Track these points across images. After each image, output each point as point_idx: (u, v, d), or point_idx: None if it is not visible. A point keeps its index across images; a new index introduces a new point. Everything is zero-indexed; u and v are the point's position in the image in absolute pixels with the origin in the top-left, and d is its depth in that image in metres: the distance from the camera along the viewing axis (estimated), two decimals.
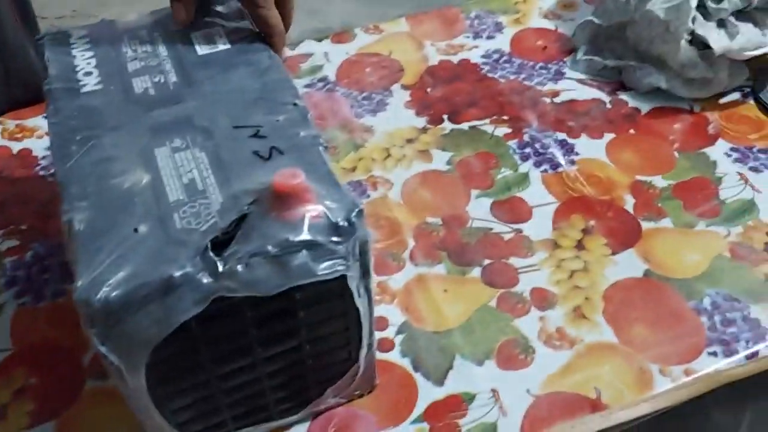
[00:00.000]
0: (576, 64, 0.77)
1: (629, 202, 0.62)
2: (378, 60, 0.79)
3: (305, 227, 0.35)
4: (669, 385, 0.49)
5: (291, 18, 0.51)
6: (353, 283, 0.39)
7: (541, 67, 0.77)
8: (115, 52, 0.47)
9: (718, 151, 0.67)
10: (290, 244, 0.35)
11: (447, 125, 0.71)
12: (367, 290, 0.40)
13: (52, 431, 0.48)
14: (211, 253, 0.34)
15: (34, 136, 0.69)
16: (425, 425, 0.47)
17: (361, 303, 0.40)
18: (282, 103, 0.44)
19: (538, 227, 0.60)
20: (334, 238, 0.36)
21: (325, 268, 0.36)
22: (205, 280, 0.34)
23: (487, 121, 0.71)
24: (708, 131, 0.69)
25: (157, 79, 0.45)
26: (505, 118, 0.71)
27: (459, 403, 0.48)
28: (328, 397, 0.46)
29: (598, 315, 0.54)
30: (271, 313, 0.38)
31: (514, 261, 0.58)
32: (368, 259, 0.39)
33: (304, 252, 0.35)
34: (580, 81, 0.76)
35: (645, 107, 0.72)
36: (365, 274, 0.39)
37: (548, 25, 0.83)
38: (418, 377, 0.50)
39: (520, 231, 0.60)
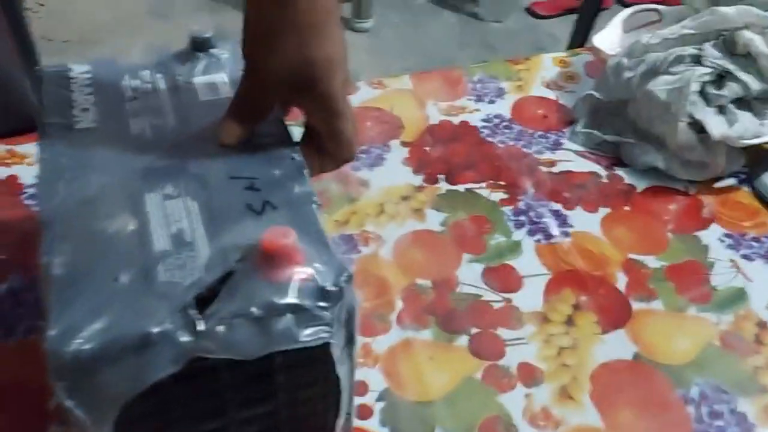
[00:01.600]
0: (575, 136, 0.78)
1: (621, 280, 0.61)
2: (379, 114, 0.79)
3: (292, 290, 0.34)
4: None
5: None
6: (336, 351, 0.37)
7: (540, 136, 0.77)
8: (114, 91, 0.47)
9: (711, 235, 0.67)
10: (275, 306, 0.33)
11: (443, 185, 0.70)
12: (350, 358, 0.39)
13: None
14: (192, 311, 0.33)
15: (24, 162, 0.68)
16: None
17: (342, 371, 0.39)
18: (279, 156, 0.43)
19: (529, 298, 0.59)
20: (321, 303, 0.35)
21: (309, 335, 0.35)
22: (183, 339, 0.33)
23: (484, 184, 0.70)
24: (702, 214, 0.69)
25: (154, 122, 0.44)
26: (502, 183, 0.71)
27: None
28: None
29: (585, 396, 0.52)
30: (249, 376, 0.36)
31: (503, 332, 0.57)
32: (354, 326, 0.37)
33: (289, 316, 0.34)
34: (577, 153, 0.76)
35: (641, 185, 0.72)
36: (350, 341, 0.38)
37: (549, 94, 0.83)
38: None
39: (509, 300, 0.59)
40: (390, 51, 2.14)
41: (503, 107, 0.81)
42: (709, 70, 0.71)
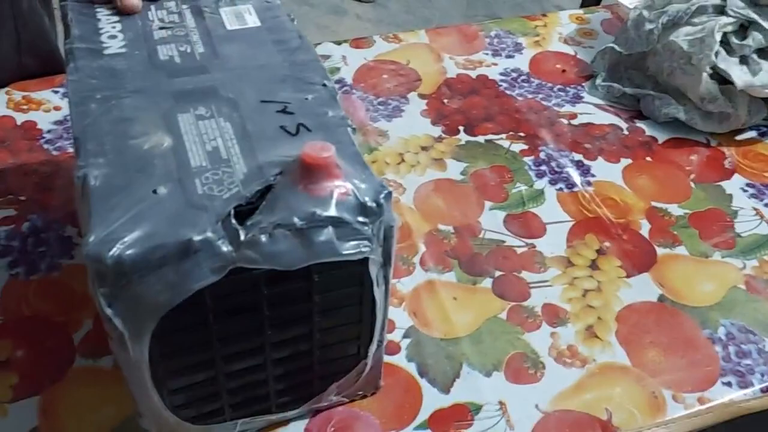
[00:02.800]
0: (594, 90, 0.77)
1: (644, 227, 0.61)
2: (396, 68, 0.78)
3: (333, 203, 0.34)
4: (682, 412, 0.47)
5: None
6: (374, 270, 0.37)
7: (559, 89, 0.77)
8: (141, 20, 0.46)
9: (734, 185, 0.66)
10: (317, 218, 0.33)
11: (463, 137, 0.70)
12: (386, 280, 0.38)
13: (34, 407, 0.45)
14: (234, 221, 0.33)
15: (40, 109, 0.67)
16: None
17: (378, 293, 0.38)
18: (311, 83, 0.42)
19: (552, 244, 0.59)
20: (361, 219, 0.34)
21: (349, 248, 0.34)
22: (225, 248, 0.32)
23: (504, 136, 0.70)
24: (724, 165, 0.69)
25: (182, 49, 0.44)
26: (522, 134, 0.70)
27: (465, 412, 0.46)
28: (331, 393, 0.44)
29: (611, 336, 0.52)
30: (287, 293, 0.36)
31: (526, 275, 0.56)
32: (392, 245, 0.37)
33: (330, 229, 0.34)
34: (597, 106, 0.75)
35: (661, 137, 0.71)
36: (387, 261, 0.37)
37: (567, 49, 0.83)
38: (423, 383, 0.48)
39: (533, 246, 0.59)
40: (396, 21, 2.12)
41: (521, 62, 0.80)
42: (732, 20, 0.70)
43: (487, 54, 0.81)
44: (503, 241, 0.59)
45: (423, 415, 0.46)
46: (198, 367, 0.37)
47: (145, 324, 0.33)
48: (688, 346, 0.52)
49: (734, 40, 0.70)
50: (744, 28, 0.71)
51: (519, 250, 0.58)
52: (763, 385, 0.49)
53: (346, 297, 0.38)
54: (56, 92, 0.69)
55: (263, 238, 0.33)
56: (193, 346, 0.36)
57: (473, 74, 0.78)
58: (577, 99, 0.76)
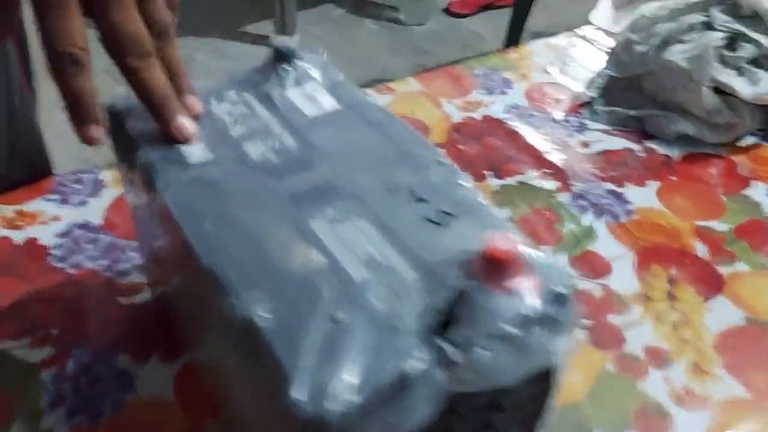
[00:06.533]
0: (596, 115, 0.77)
1: (700, 249, 0.61)
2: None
3: (533, 299, 0.30)
4: None
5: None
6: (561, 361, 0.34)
7: (563, 120, 0.77)
8: (208, 118, 0.41)
9: (758, 192, 0.68)
10: (526, 319, 0.30)
11: (493, 181, 0.68)
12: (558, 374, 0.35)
13: None
14: (439, 340, 0.29)
15: (36, 222, 0.59)
16: None
17: (554, 386, 0.35)
18: (423, 160, 0.39)
19: (622, 280, 0.58)
20: (562, 309, 0.31)
21: (560, 345, 0.31)
22: (439, 373, 0.28)
23: (533, 175, 0.69)
24: (740, 173, 0.71)
25: (272, 144, 0.39)
26: (548, 171, 0.69)
27: None
28: None
29: (717, 368, 0.51)
30: (476, 404, 0.32)
31: (612, 319, 0.55)
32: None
33: (539, 328, 0.30)
34: (604, 132, 0.75)
35: (675, 153, 0.73)
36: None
37: (553, 78, 0.83)
38: None
39: (606, 286, 0.57)
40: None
41: (517, 96, 0.80)
42: (721, 34, 0.72)
43: (481, 93, 0.80)
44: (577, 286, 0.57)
45: None
46: None
47: None
48: None
49: (726, 53, 0.72)
50: (732, 40, 0.73)
51: (596, 294, 0.57)
52: None
53: (528, 396, 0.35)
54: (49, 200, 0.61)
55: (476, 354, 0.29)
56: None
57: (477, 116, 0.77)
58: (582, 127, 0.76)
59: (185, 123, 0.38)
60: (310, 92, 0.44)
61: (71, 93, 0.35)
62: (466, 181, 0.37)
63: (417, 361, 0.28)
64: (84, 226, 0.60)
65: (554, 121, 0.76)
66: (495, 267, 0.30)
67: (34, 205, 0.61)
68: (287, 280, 0.31)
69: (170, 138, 0.38)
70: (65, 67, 0.34)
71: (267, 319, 0.29)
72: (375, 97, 0.78)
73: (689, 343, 0.53)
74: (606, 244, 0.61)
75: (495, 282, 0.31)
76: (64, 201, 0.62)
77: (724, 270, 0.59)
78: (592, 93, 0.80)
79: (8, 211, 0.60)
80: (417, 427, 0.28)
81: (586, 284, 0.57)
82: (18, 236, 0.58)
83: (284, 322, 0.29)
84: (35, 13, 0.34)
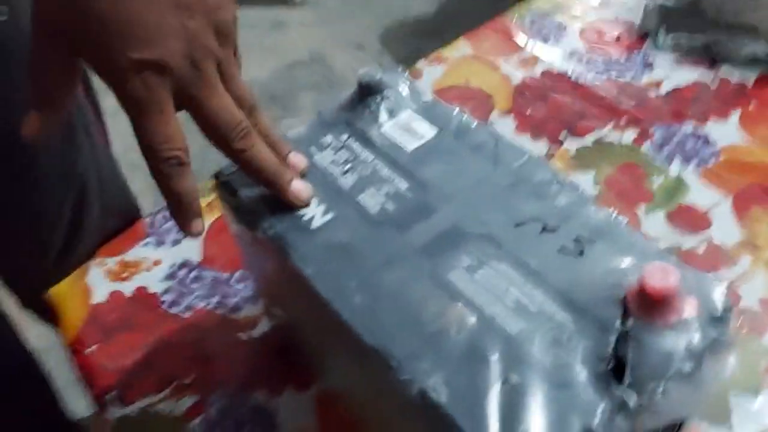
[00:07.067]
0: (660, 49, 0.75)
1: None
2: (459, 92, 0.74)
3: (699, 329, 0.31)
4: None
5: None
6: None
7: (626, 60, 0.74)
8: (314, 170, 0.41)
9: None
10: (696, 353, 0.30)
11: (570, 144, 0.67)
12: None
13: None
14: (617, 389, 0.29)
15: (141, 270, 0.61)
16: None
17: None
18: (544, 184, 0.38)
19: (724, 230, 0.57)
20: (721, 329, 0.31)
21: (727, 365, 0.31)
22: (620, 420, 0.29)
23: (608, 130, 0.67)
24: None
25: (385, 191, 0.39)
26: (623, 122, 0.68)
27: None
28: None
29: None
30: None
31: (721, 275, 0.54)
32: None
33: (707, 356, 0.31)
34: (671, 66, 0.73)
35: (747, 79, 0.70)
36: None
37: (608, 15, 0.80)
38: (704, 429, 0.46)
39: (710, 240, 0.57)
40: (342, 19, 2.05)
41: (573, 41, 0.77)
42: None
43: (536, 45, 0.78)
44: (680, 246, 0.57)
45: None
46: None
47: None
48: None
49: None
50: None
51: (700, 250, 0.56)
52: None
53: None
54: (146, 245, 0.63)
55: (657, 396, 0.29)
56: None
57: (536, 73, 0.75)
58: (648, 65, 0.73)
59: (300, 188, 0.39)
60: (406, 121, 0.43)
61: (176, 194, 0.36)
62: (594, 203, 0.37)
63: (598, 413, 0.29)
64: (184, 265, 0.61)
65: (618, 62, 0.74)
66: (656, 303, 0.31)
67: (134, 253, 0.62)
68: (449, 346, 0.32)
69: (289, 205, 0.39)
70: (170, 171, 0.35)
71: (443, 395, 0.30)
72: (429, 69, 0.77)
73: None
74: (699, 194, 0.60)
75: (657, 317, 0.31)
76: (160, 243, 0.63)
77: None
78: (649, 25, 0.77)
79: (111, 263, 0.62)
80: None
81: (688, 241, 0.57)
82: (127, 288, 0.60)
83: (459, 392, 0.30)
84: (131, 118, 0.34)
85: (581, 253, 0.35)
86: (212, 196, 0.65)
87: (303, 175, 0.40)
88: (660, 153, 0.64)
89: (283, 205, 0.39)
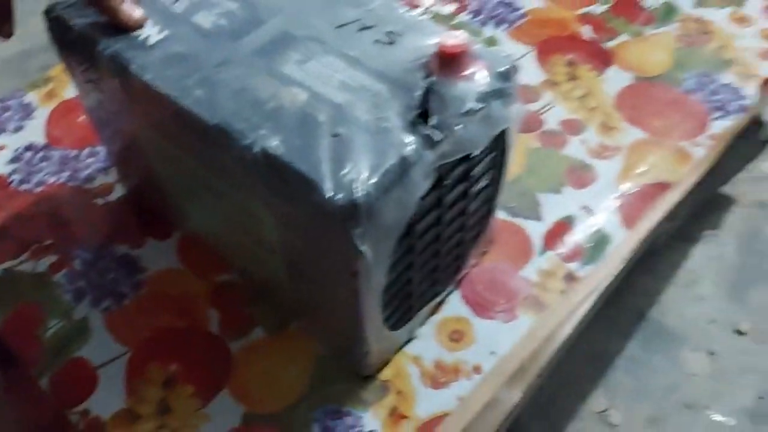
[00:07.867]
0: None
1: (586, 32, 0.70)
2: None
3: (487, 78, 0.37)
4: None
5: None
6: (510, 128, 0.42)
7: None
8: (150, 4, 0.44)
9: None
10: (487, 95, 0.37)
11: None
12: (512, 137, 0.43)
13: (228, 398, 0.46)
14: (424, 127, 0.35)
15: None
16: (551, 253, 0.52)
17: (509, 149, 0.43)
18: None
19: (531, 74, 0.66)
20: (509, 83, 0.38)
21: (513, 112, 0.39)
22: (428, 152, 0.35)
23: (429, 2, 0.74)
24: None
25: (217, 12, 0.43)
26: None
27: (563, 226, 0.54)
28: (471, 259, 0.49)
29: (622, 122, 0.61)
30: (456, 174, 0.40)
31: (530, 107, 0.63)
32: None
33: (496, 102, 0.37)
34: None
35: None
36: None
37: None
38: (520, 221, 0.55)
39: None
40: None
41: None
42: None
43: None
44: None
45: (536, 245, 0.53)
46: (404, 273, 0.41)
47: (385, 250, 0.36)
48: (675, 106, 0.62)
49: None
50: None
51: None
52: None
53: (491, 162, 0.43)
54: None
55: (455, 131, 0.36)
56: (400, 255, 0.39)
57: None
58: None
59: (132, 8, 0.41)
60: None
61: None
62: (402, 6, 0.43)
63: (409, 146, 0.35)
64: (29, 148, 0.61)
65: None
66: (450, 61, 0.37)
67: None
68: (284, 117, 0.36)
69: (122, 27, 0.41)
70: None
71: (280, 149, 0.35)
72: None
73: (596, 109, 0.62)
74: (510, 48, 0.69)
75: (452, 73, 0.37)
76: (1, 131, 0.62)
77: (609, 44, 0.68)
78: None
79: None
80: (418, 200, 0.36)
81: None
82: None
83: (295, 146, 0.35)
84: None
85: (393, 42, 0.40)
86: (50, 85, 0.65)
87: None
88: (475, 19, 0.72)
89: (117, 29, 0.41)
